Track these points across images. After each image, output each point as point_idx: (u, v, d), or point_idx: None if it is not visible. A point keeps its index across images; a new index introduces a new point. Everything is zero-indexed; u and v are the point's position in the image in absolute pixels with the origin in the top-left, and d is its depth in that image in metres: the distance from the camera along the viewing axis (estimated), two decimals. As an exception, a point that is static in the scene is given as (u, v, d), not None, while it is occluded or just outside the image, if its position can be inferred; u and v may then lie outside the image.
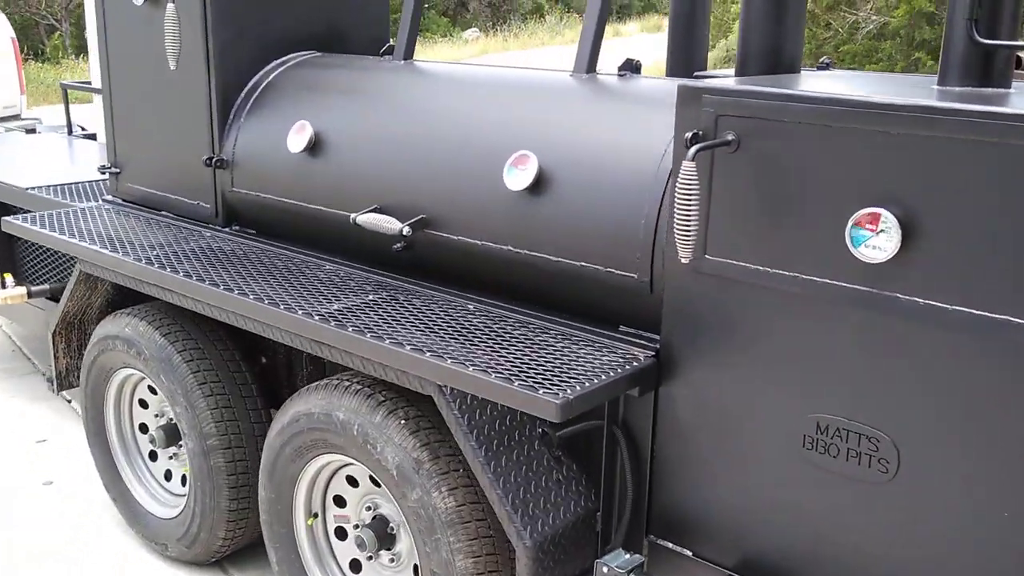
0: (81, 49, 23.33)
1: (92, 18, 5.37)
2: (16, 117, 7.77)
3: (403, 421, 2.57)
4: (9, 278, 4.32)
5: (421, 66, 3.29)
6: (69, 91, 5.82)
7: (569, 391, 2.14)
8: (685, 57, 3.35)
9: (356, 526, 2.90)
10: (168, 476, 3.63)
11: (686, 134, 2.17)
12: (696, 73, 3.36)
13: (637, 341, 2.41)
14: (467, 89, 2.99)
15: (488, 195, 2.65)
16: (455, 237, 2.74)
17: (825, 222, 2.01)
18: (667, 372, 2.34)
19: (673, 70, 3.32)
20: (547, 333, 2.52)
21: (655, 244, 2.33)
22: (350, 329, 2.51)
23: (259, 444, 3.24)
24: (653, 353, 2.35)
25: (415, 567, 2.72)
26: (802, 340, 2.10)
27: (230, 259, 3.17)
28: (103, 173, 3.97)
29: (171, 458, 3.58)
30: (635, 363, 2.32)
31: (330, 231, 3.11)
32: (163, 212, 3.76)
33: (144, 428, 3.66)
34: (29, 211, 4.22)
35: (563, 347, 2.42)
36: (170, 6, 3.31)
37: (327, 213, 3.08)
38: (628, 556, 2.41)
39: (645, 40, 29.47)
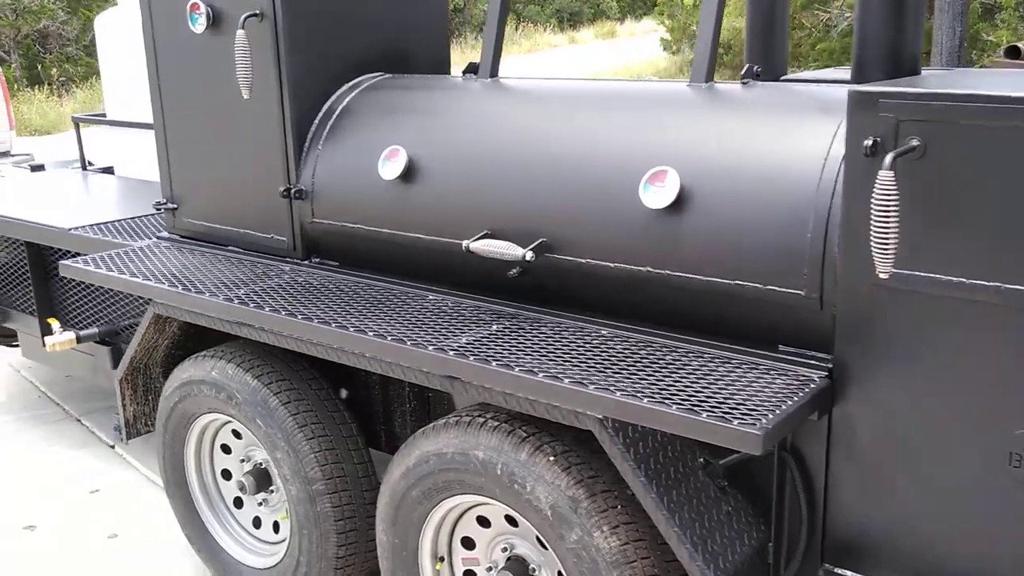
0: (34, 80, 22.79)
1: (108, 46, 5.19)
2: (7, 154, 7.53)
3: (551, 458, 2.44)
4: (55, 323, 4.11)
5: (514, 83, 3.16)
6: (80, 123, 5.60)
7: (765, 420, 2.02)
8: (766, 61, 3.26)
9: (489, 568, 2.76)
10: (257, 523, 3.46)
11: (864, 141, 2.07)
12: (783, 77, 3.28)
13: (805, 361, 2.30)
14: (580, 104, 2.86)
15: (622, 215, 2.53)
16: (582, 260, 2.62)
17: (1033, 229, 1.92)
18: (842, 392, 2.23)
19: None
20: (701, 357, 2.40)
21: (824, 258, 2.23)
22: (494, 364, 2.38)
23: (363, 486, 3.10)
24: (827, 373, 2.25)
25: (562, 608, 2.58)
26: (1006, 352, 2.00)
27: (324, 293, 3.02)
28: (158, 209, 3.79)
29: (260, 504, 3.41)
30: (812, 385, 2.21)
31: (431, 259, 2.97)
32: (229, 247, 3.59)
33: (227, 474, 3.49)
34: (73, 253, 4.03)
35: (727, 372, 2.30)
36: (239, 33, 3.14)
37: (428, 241, 2.94)
38: (807, 586, 2.30)
39: (601, 46, 29.55)
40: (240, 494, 3.39)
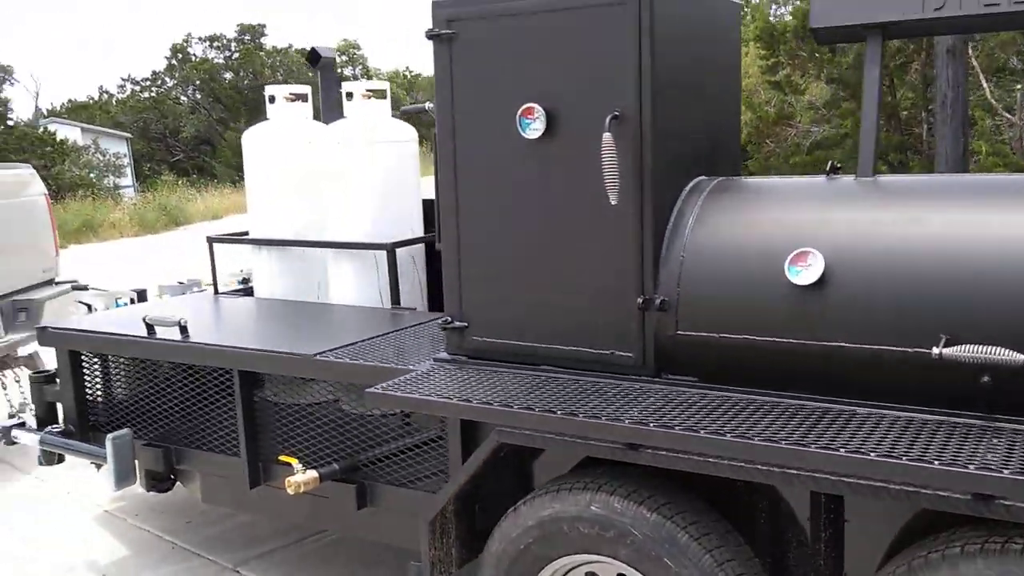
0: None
1: (255, 161, 4.86)
2: (51, 282, 6.94)
3: None
4: (295, 463, 3.65)
5: (905, 180, 3.02)
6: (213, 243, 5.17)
7: None
8: None
9: None
10: None
11: None
12: None
13: None
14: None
15: None
16: (1086, 362, 2.44)
17: None
18: None
19: None
20: None
21: None
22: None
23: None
24: None
25: None
26: None
27: (729, 413, 2.74)
28: (445, 328, 3.44)
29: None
30: None
31: (855, 370, 2.74)
32: (541, 367, 3.27)
33: (571, 624, 3.08)
34: (318, 380, 3.63)
35: None
36: (607, 136, 2.93)
37: (855, 350, 2.71)
38: None
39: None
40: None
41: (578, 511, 2.88)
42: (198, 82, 41.33)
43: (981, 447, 2.39)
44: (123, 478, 4.09)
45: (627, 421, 2.72)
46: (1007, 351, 2.47)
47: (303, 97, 4.99)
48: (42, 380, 4.61)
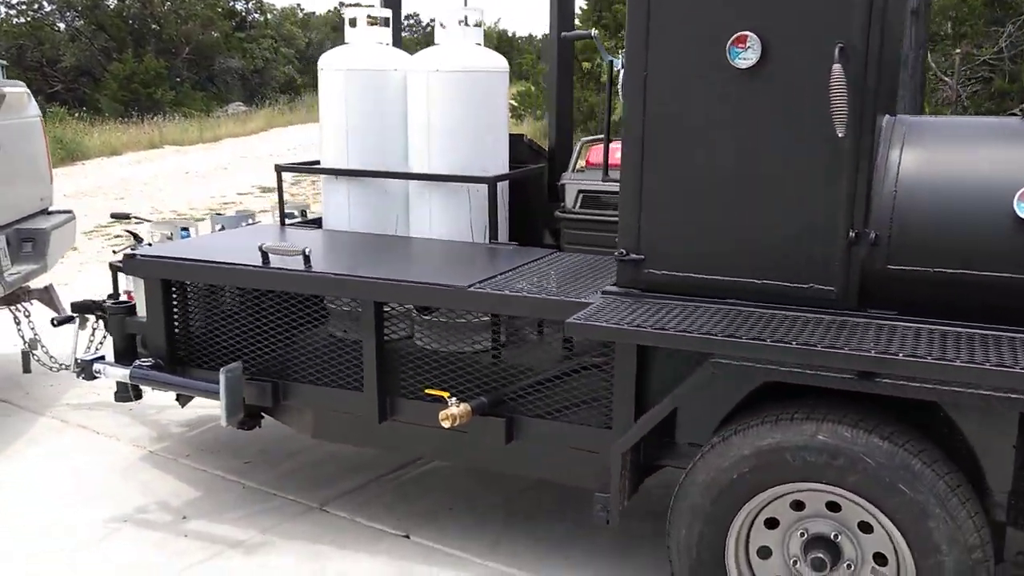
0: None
1: (330, 89, 4.65)
2: (45, 212, 6.48)
3: None
4: (450, 397, 3.54)
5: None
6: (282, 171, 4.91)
7: None
8: None
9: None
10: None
11: None
12: None
13: None
14: None
15: None
16: None
17: None
18: None
19: None
20: None
21: None
22: None
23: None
24: None
25: None
26: None
27: (956, 343, 2.81)
28: (621, 260, 3.39)
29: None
30: None
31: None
32: (728, 300, 3.27)
33: (766, 552, 3.13)
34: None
35: None
36: (836, 67, 2.92)
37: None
38: None
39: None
40: (806, 570, 3.05)
41: (804, 440, 2.91)
42: (79, 8, 38.85)
43: None
44: (233, 412, 3.90)
45: (871, 351, 2.76)
46: None
47: (384, 21, 4.77)
48: (123, 312, 4.31)
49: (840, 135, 2.96)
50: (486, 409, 3.63)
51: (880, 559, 2.99)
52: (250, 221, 5.12)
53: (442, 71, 4.49)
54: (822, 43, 2.99)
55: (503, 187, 4.61)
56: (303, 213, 5.16)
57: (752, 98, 3.13)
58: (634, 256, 3.37)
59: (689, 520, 3.11)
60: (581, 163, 4.69)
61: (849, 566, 3.02)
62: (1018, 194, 2.89)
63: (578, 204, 4.48)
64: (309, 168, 4.91)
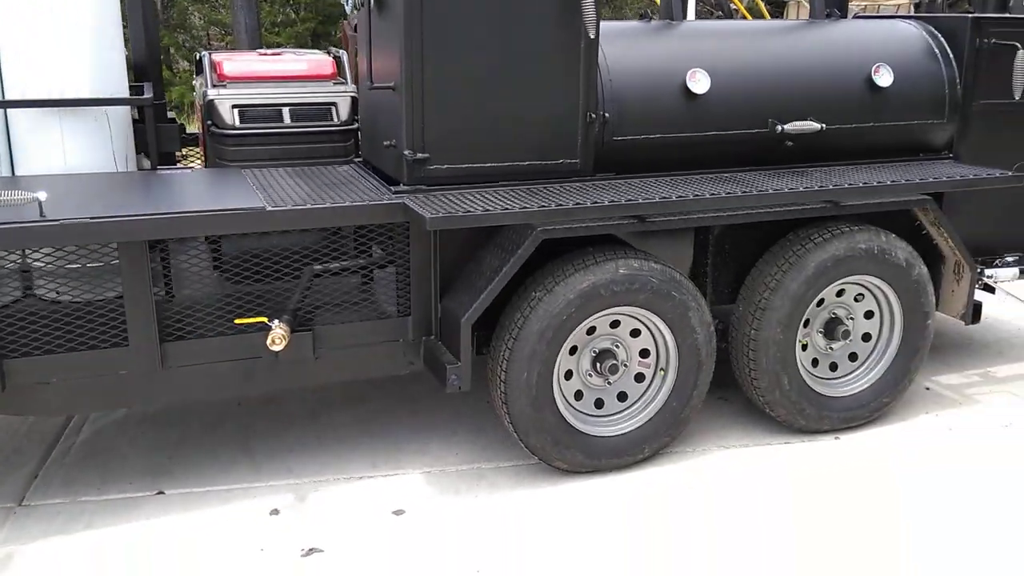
0: None
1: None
2: None
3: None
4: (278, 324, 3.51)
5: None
6: None
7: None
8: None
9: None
10: (600, 404, 4.05)
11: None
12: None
13: None
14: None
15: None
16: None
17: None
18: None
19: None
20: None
21: None
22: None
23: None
24: (958, 156, 4.64)
25: None
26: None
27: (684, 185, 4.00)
28: (410, 161, 3.72)
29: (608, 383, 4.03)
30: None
31: (728, 149, 4.23)
32: (499, 182, 3.90)
33: (570, 374, 3.97)
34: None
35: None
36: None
37: (731, 135, 4.19)
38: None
39: None
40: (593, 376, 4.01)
41: (609, 277, 3.79)
42: None
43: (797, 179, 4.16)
44: None
45: (641, 199, 3.74)
46: (812, 123, 4.26)
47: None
48: None
49: (591, 36, 3.79)
50: (295, 326, 3.69)
51: (644, 353, 4.08)
52: None
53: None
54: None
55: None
56: None
57: (514, 7, 3.74)
58: (420, 156, 3.76)
59: (528, 365, 3.77)
60: (214, 77, 4.50)
61: (624, 364, 4.05)
62: (687, 74, 4.09)
63: (237, 120, 4.39)
64: None
